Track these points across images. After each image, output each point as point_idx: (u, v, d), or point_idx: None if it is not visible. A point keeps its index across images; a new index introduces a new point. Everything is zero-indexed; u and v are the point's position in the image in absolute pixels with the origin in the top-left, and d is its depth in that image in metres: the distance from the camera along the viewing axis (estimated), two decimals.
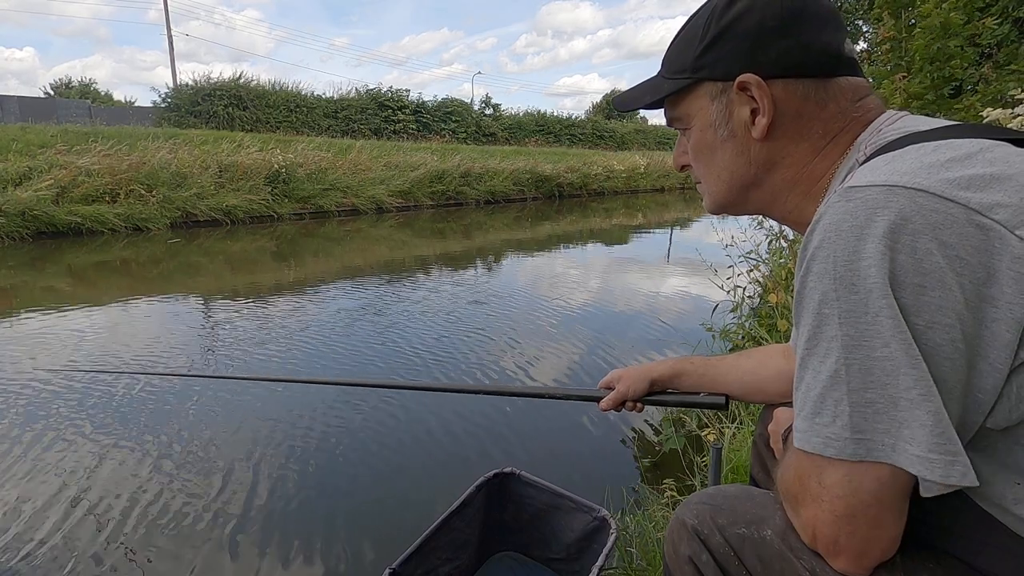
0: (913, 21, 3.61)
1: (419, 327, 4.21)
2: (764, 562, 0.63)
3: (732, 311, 3.44)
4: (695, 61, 0.65)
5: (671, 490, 1.87)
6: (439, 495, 2.06)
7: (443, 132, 24.78)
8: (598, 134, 31.42)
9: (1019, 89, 2.64)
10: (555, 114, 30.17)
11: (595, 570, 1.24)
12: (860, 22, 6.92)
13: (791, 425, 0.58)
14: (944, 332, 0.46)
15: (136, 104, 27.05)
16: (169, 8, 24.86)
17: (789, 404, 0.72)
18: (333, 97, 22.87)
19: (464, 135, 25.42)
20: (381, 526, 1.98)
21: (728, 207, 0.73)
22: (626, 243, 10.00)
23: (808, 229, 0.53)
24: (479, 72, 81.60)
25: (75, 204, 8.61)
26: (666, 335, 4.14)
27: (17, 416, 2.71)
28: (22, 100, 18.82)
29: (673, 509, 1.74)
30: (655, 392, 1.02)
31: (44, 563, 1.76)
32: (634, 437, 2.64)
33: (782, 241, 3.97)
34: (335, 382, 2.59)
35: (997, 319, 0.46)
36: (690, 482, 1.97)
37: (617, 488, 2.02)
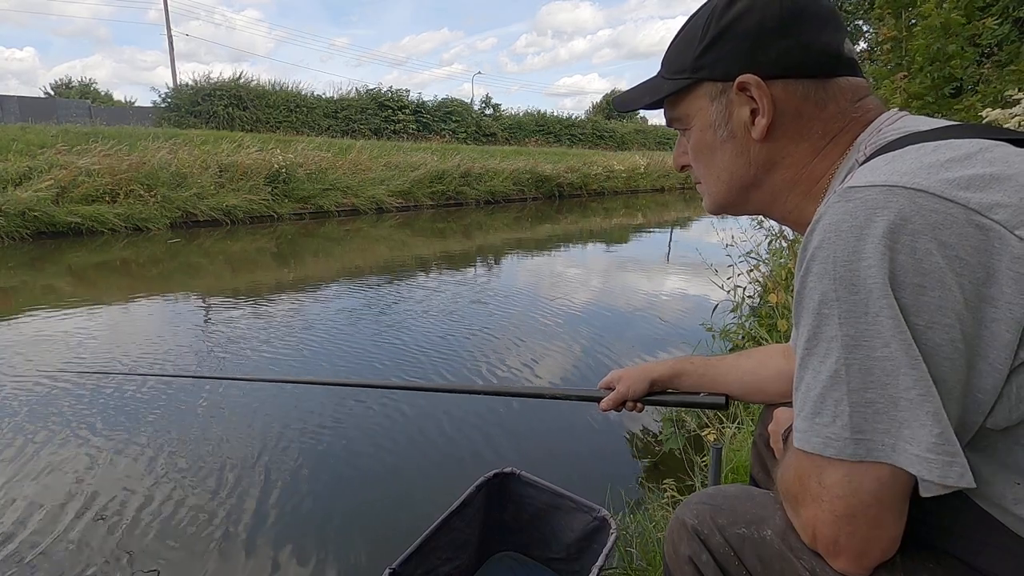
0: (913, 21, 3.61)
1: (420, 327, 4.21)
2: (764, 562, 0.63)
3: (732, 311, 3.44)
4: (695, 61, 0.65)
5: (671, 490, 1.87)
6: (439, 495, 2.05)
7: (443, 132, 24.78)
8: (598, 134, 31.43)
9: (1016, 89, 2.64)
10: (555, 114, 30.23)
11: (595, 570, 1.24)
12: (860, 22, 6.92)
13: (791, 425, 0.58)
14: (944, 332, 0.46)
15: (136, 104, 27.08)
16: (169, 8, 24.89)
17: (789, 404, 0.72)
18: (333, 97, 22.89)
19: (464, 135, 25.42)
20: (381, 526, 1.98)
21: (728, 207, 0.73)
22: (626, 243, 10.00)
23: (808, 229, 0.53)
24: (479, 72, 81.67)
25: (75, 204, 8.61)
26: (666, 335, 4.14)
27: (19, 417, 2.71)
28: (22, 100, 18.83)
29: (673, 509, 1.74)
30: (655, 392, 1.02)
31: (46, 562, 1.77)
32: (634, 437, 2.64)
33: (782, 241, 3.97)
34: (335, 383, 2.60)
35: (997, 319, 0.46)
36: (690, 482, 1.97)
37: (617, 488, 2.02)
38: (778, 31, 0.61)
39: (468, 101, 27.62)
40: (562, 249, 8.84)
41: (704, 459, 2.07)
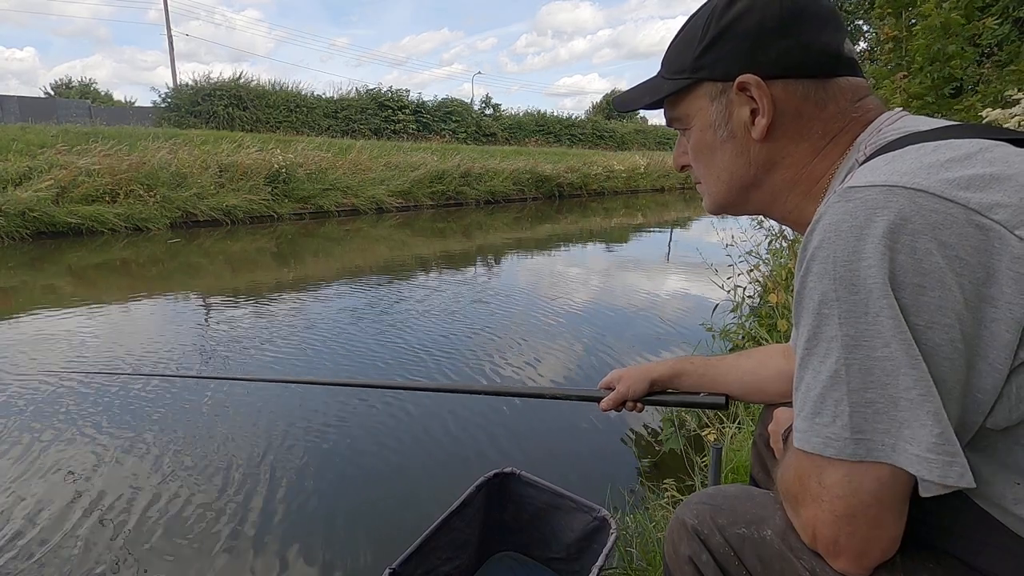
0: (914, 21, 3.61)
1: (421, 326, 4.21)
2: (764, 562, 0.63)
3: (732, 311, 3.44)
4: (695, 61, 0.65)
5: (671, 490, 1.87)
6: (439, 495, 2.06)
7: (443, 132, 24.78)
8: (598, 134, 31.42)
9: (1016, 89, 2.64)
10: (555, 114, 30.23)
11: (595, 570, 1.24)
12: (860, 22, 6.91)
13: (791, 425, 0.58)
14: (943, 332, 0.46)
15: (136, 104, 27.07)
16: (169, 8, 24.89)
17: (789, 404, 0.72)
18: (333, 97, 22.89)
19: (464, 135, 25.42)
20: (381, 526, 1.98)
21: (728, 207, 0.73)
22: (626, 243, 10.00)
23: (808, 229, 0.53)
24: (479, 72, 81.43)
25: (75, 204, 8.61)
26: (666, 335, 4.14)
27: (24, 416, 2.71)
28: (22, 100, 18.82)
29: (673, 509, 1.74)
30: (655, 392, 1.02)
31: (54, 560, 1.77)
32: (634, 437, 2.64)
33: (782, 241, 3.97)
34: (337, 383, 2.60)
35: (996, 319, 0.46)
36: (690, 482, 1.97)
37: (617, 488, 2.02)
38: (778, 31, 0.61)
39: (468, 101, 27.63)
40: (562, 249, 8.84)
41: (704, 459, 2.07)
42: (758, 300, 3.62)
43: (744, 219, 4.67)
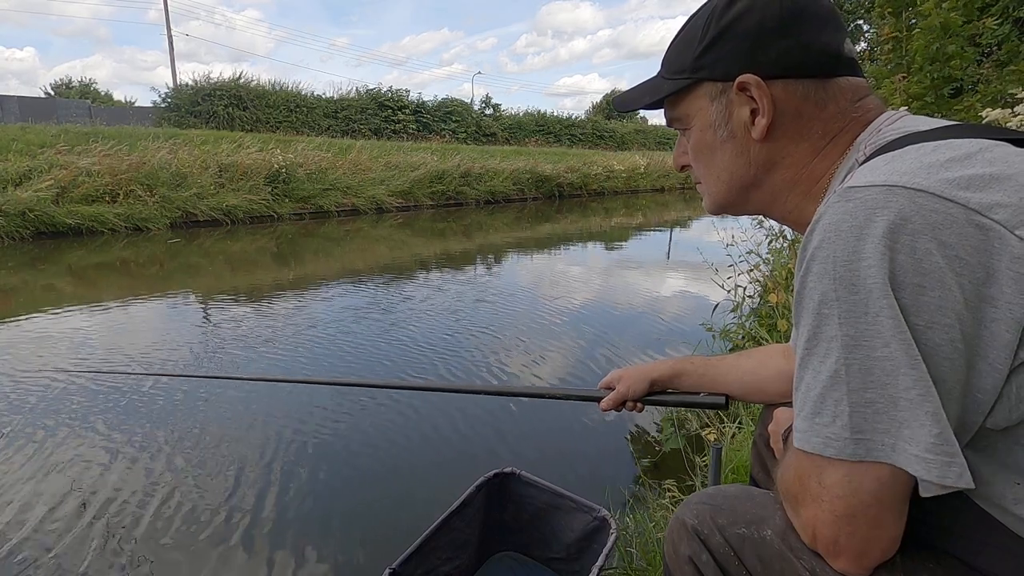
0: (914, 20, 3.60)
1: (422, 326, 4.21)
2: (764, 562, 0.63)
3: (732, 311, 3.44)
4: (695, 61, 0.65)
5: (671, 490, 1.87)
6: (439, 495, 2.05)
7: (443, 132, 24.78)
8: (598, 134, 31.42)
9: (1020, 88, 2.64)
10: (555, 114, 30.23)
11: (595, 570, 1.24)
12: (860, 22, 6.91)
13: (791, 425, 0.58)
14: (943, 332, 0.46)
15: (136, 104, 27.08)
16: (169, 8, 24.89)
17: (789, 404, 0.72)
18: (333, 97, 22.88)
19: (464, 135, 25.42)
20: (381, 526, 1.98)
21: (728, 207, 0.73)
22: (626, 243, 10.00)
23: (808, 229, 0.53)
24: (479, 72, 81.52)
25: (75, 204, 8.61)
26: (666, 335, 4.14)
27: (28, 415, 2.72)
28: (22, 100, 18.82)
29: (673, 509, 1.74)
30: (655, 392, 1.03)
31: (54, 560, 1.77)
32: (634, 437, 2.64)
33: (782, 240, 3.97)
34: (337, 383, 2.60)
35: (996, 319, 0.46)
36: (690, 482, 1.97)
37: (617, 488, 2.02)
38: (778, 31, 0.61)
39: (468, 101, 27.64)
40: (562, 249, 8.84)
41: (704, 459, 2.07)
42: (758, 300, 3.62)
43: (745, 218, 4.66)
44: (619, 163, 20.68)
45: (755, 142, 0.65)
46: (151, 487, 2.17)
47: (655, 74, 0.73)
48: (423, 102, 25.09)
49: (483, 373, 3.36)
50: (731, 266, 3.58)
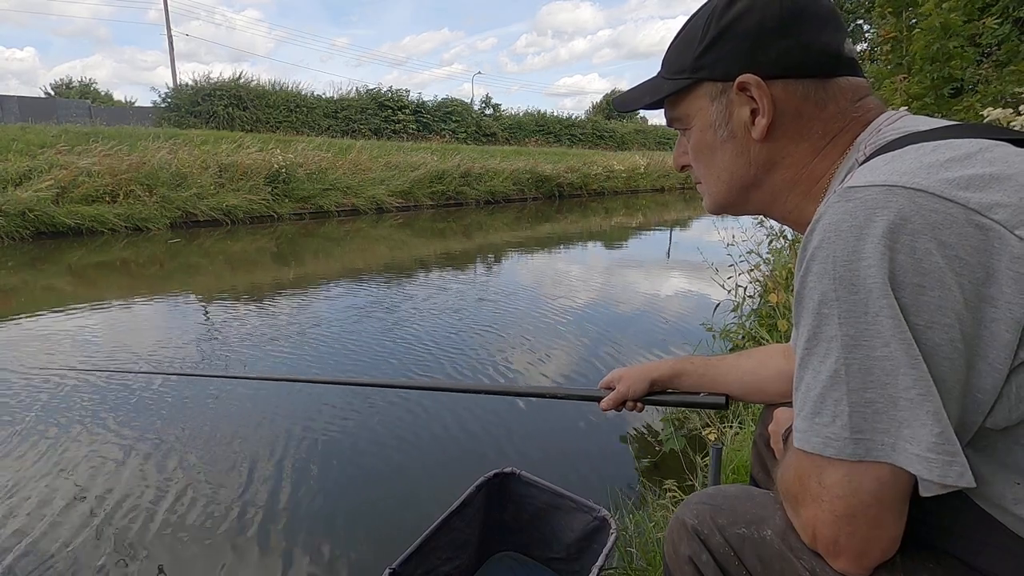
0: (914, 20, 3.60)
1: (423, 326, 4.21)
2: (764, 562, 0.63)
3: (733, 311, 3.45)
4: (695, 61, 0.65)
5: (671, 490, 1.87)
6: (439, 495, 2.06)
7: (443, 132, 24.78)
8: (598, 134, 31.42)
9: (1023, 88, 2.63)
10: (555, 114, 30.22)
11: (595, 570, 1.24)
12: (860, 21, 6.91)
13: (791, 425, 0.58)
14: (943, 332, 0.46)
15: (136, 104, 27.08)
16: (169, 8, 24.88)
17: (789, 404, 0.72)
18: (333, 97, 22.88)
19: (464, 135, 25.42)
20: (381, 526, 1.98)
21: (728, 207, 0.73)
22: (626, 243, 10.00)
23: (808, 229, 0.53)
24: (479, 72, 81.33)
25: (75, 204, 8.61)
26: (666, 335, 4.14)
27: (34, 414, 2.72)
28: (22, 100, 18.82)
29: (673, 509, 1.74)
30: (655, 392, 1.03)
31: (57, 558, 1.77)
32: (634, 437, 2.64)
33: (783, 240, 3.96)
34: (338, 382, 2.60)
35: (996, 319, 0.46)
36: (690, 482, 1.97)
37: (617, 488, 2.02)
38: (778, 31, 0.61)
39: (468, 101, 27.63)
40: (563, 249, 8.84)
41: (704, 459, 2.07)
42: (758, 300, 3.62)
43: (745, 218, 4.64)
44: (619, 163, 20.68)
45: (755, 142, 0.65)
46: (151, 484, 2.17)
47: (655, 74, 0.73)
48: (423, 102, 25.10)
49: (487, 372, 3.36)
50: (731, 266, 3.58)
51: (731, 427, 2.25)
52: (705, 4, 0.66)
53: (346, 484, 2.23)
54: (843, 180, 0.60)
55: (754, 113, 0.63)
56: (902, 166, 0.50)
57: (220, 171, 10.76)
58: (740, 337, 3.16)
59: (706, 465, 1.99)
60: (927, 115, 0.69)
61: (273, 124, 20.22)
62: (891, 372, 0.47)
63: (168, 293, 5.58)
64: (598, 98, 44.37)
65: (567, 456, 2.47)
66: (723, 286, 3.58)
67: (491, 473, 1.54)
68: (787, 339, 1.55)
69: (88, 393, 2.98)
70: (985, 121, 2.18)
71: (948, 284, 0.46)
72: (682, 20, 0.70)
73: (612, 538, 1.34)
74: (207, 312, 4.95)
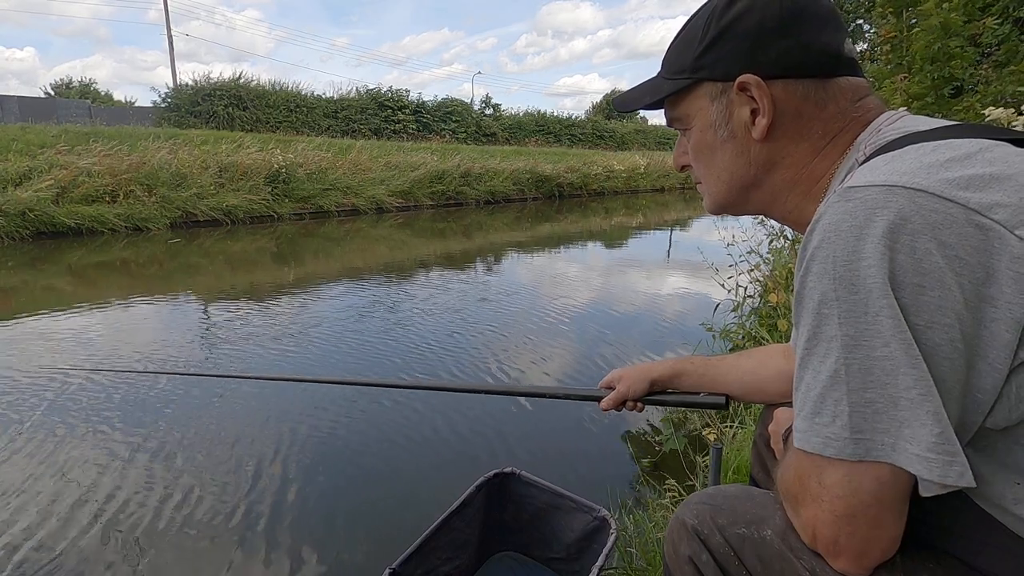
0: (914, 20, 3.60)
1: (424, 326, 4.21)
2: (764, 562, 0.63)
3: (733, 311, 3.44)
4: (695, 61, 0.65)
5: (671, 490, 1.87)
6: (439, 495, 2.05)
7: (443, 132, 24.77)
8: (598, 134, 31.41)
9: None
10: (555, 114, 30.21)
11: (595, 570, 1.24)
12: (861, 21, 6.90)
13: (791, 425, 0.58)
14: (943, 332, 0.46)
15: (136, 104, 27.08)
16: (169, 8, 24.89)
17: (789, 404, 0.72)
18: (333, 97, 22.87)
19: (464, 135, 25.41)
20: (381, 526, 1.98)
21: (728, 207, 0.73)
22: (626, 243, 10.00)
23: (808, 229, 0.53)
24: (479, 72, 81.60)
25: (75, 204, 8.61)
26: (666, 335, 4.14)
27: (39, 413, 2.72)
28: (22, 100, 18.82)
29: (673, 509, 1.74)
30: (655, 392, 1.03)
31: (61, 558, 1.77)
32: (634, 437, 2.64)
33: (783, 240, 3.97)
34: (338, 381, 2.60)
35: (996, 319, 0.46)
36: (690, 482, 1.97)
37: (617, 488, 2.02)
38: (778, 31, 0.61)
39: (468, 101, 27.63)
40: (563, 249, 8.84)
41: (704, 459, 2.07)
42: (759, 300, 3.62)
43: (745, 218, 4.64)
44: (619, 163, 20.67)
45: (755, 142, 0.65)
46: (153, 484, 2.17)
47: (655, 74, 0.73)
48: (423, 102, 25.09)
49: (487, 372, 3.36)
50: (731, 266, 3.58)
51: (731, 427, 2.25)
52: (705, 4, 0.66)
53: (346, 484, 2.23)
54: (843, 180, 0.60)
55: (754, 113, 0.63)
56: (902, 166, 0.50)
57: (220, 171, 10.75)
58: (740, 337, 3.16)
59: (706, 465, 1.99)
60: (927, 115, 0.69)
61: (273, 124, 20.21)
62: (891, 372, 0.47)
63: (168, 293, 5.58)
64: (598, 98, 44.41)
65: (567, 456, 2.47)
66: (723, 286, 3.58)
67: (491, 473, 1.54)
68: (787, 339, 1.55)
69: (93, 392, 2.99)
70: (986, 121, 2.18)
71: (948, 284, 0.46)
72: (682, 20, 0.70)
73: (612, 538, 1.34)
74: (208, 312, 4.95)
